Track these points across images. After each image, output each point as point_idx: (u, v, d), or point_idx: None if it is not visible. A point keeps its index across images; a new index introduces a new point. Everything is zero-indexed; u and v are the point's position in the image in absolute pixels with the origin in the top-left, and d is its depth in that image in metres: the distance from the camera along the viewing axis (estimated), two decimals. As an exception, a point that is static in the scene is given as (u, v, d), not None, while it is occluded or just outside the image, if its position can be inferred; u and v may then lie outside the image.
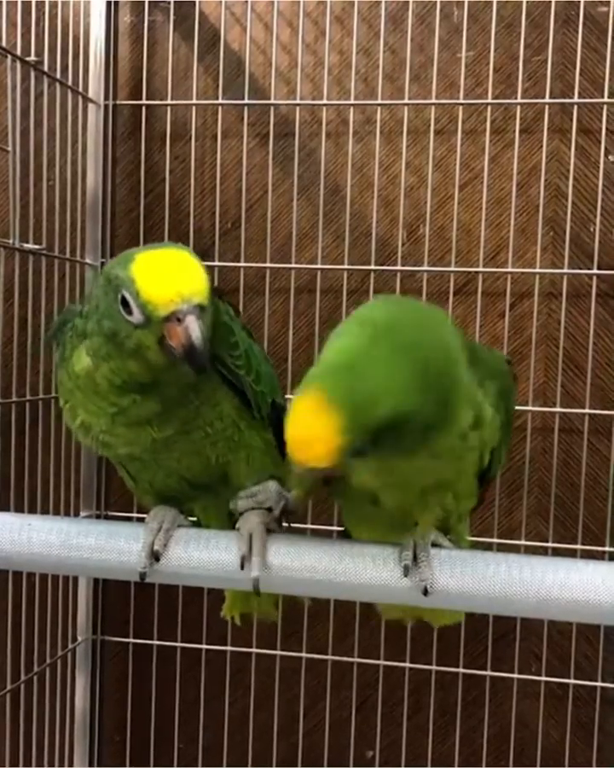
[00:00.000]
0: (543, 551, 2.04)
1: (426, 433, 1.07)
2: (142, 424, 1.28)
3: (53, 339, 1.37)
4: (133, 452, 1.33)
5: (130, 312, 1.16)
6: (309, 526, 2.08)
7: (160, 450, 1.32)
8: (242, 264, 2.09)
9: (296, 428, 1.02)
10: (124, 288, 1.16)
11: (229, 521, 1.54)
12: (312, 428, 1.00)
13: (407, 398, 1.00)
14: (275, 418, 1.43)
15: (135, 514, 2.16)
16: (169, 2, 2.14)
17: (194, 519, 1.52)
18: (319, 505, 2.07)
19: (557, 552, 2.04)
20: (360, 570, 1.25)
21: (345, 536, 1.58)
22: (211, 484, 1.45)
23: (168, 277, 1.16)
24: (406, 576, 1.24)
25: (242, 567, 1.26)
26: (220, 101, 2.11)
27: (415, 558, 1.24)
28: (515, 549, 2.04)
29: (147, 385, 1.24)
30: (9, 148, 1.84)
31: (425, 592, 1.23)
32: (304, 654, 2.16)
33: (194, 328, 1.14)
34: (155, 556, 1.28)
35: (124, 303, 1.16)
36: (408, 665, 2.12)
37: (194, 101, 2.13)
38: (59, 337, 1.35)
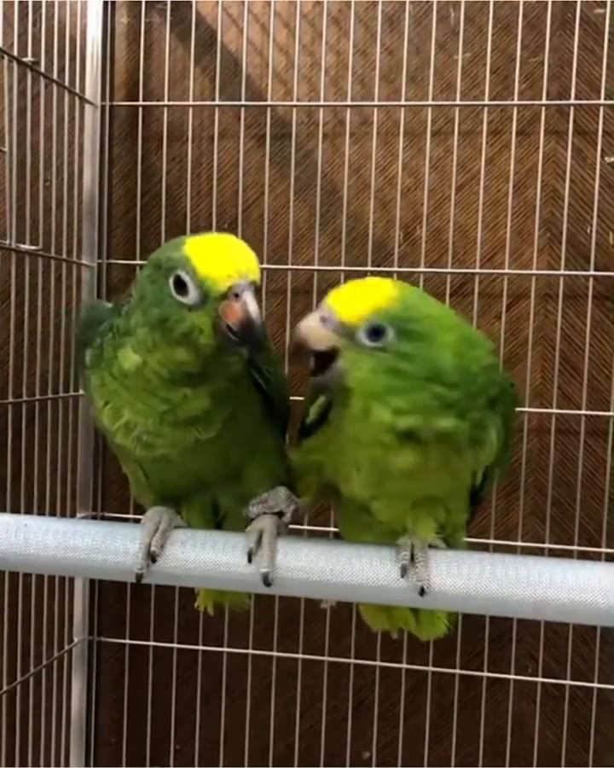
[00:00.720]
0: (540, 552, 2.05)
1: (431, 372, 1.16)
2: (190, 424, 1.26)
3: (83, 338, 1.34)
4: (170, 454, 1.31)
5: (184, 293, 1.16)
6: (305, 527, 2.08)
7: (194, 451, 1.31)
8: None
9: (351, 285, 1.21)
10: (180, 267, 1.16)
11: (213, 521, 1.56)
12: (365, 287, 1.20)
13: (443, 336, 1.17)
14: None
15: (131, 515, 2.16)
16: (166, 3, 2.14)
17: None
18: (317, 507, 2.07)
19: (553, 553, 2.04)
20: (357, 570, 1.26)
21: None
22: (218, 483, 1.45)
23: (224, 254, 1.17)
24: (403, 576, 1.24)
25: (249, 561, 1.26)
26: (217, 102, 2.11)
27: (412, 558, 1.25)
28: (512, 550, 2.04)
29: (197, 377, 1.22)
30: (6, 149, 1.84)
31: (422, 592, 1.23)
32: (300, 655, 2.16)
33: (252, 304, 1.15)
34: (152, 557, 1.28)
35: (179, 284, 1.16)
36: (404, 666, 2.12)
37: (191, 103, 2.13)
38: (90, 336, 1.32)
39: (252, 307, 1.15)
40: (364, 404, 1.18)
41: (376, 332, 1.15)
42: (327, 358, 1.19)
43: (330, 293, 1.20)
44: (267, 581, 1.26)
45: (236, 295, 1.15)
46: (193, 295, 1.16)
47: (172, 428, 1.27)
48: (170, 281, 1.17)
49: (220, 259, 1.17)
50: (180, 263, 1.16)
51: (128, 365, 1.24)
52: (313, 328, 1.19)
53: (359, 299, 1.18)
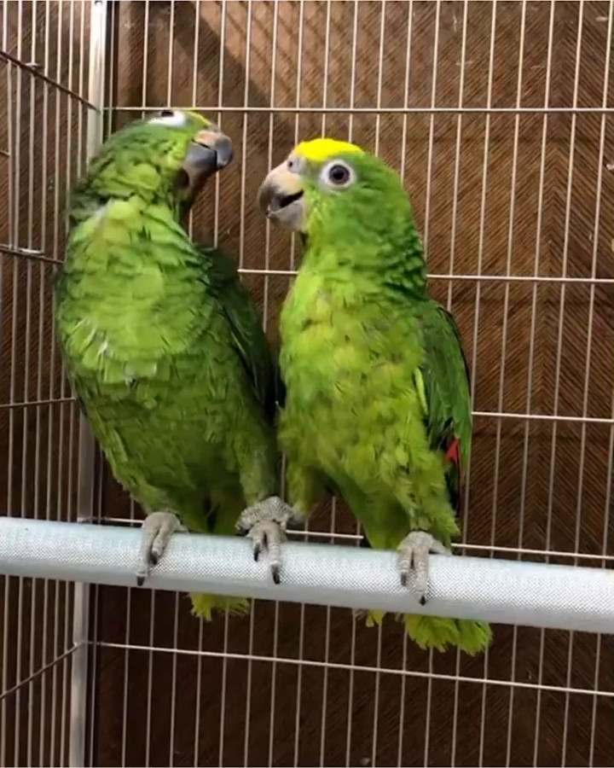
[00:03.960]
0: (540, 559, 2.04)
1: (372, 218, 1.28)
2: (155, 320, 1.28)
3: (55, 292, 1.38)
4: (142, 391, 1.30)
5: (170, 115, 1.37)
6: (306, 532, 2.08)
7: (167, 390, 1.31)
8: (241, 270, 2.09)
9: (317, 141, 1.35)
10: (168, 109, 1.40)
11: (205, 517, 1.59)
12: (332, 141, 1.34)
13: (398, 197, 1.31)
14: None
15: (132, 520, 2.16)
16: (169, 9, 2.15)
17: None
18: (317, 512, 2.07)
19: (554, 560, 2.04)
20: (358, 576, 1.26)
21: (365, 544, 1.61)
22: (205, 474, 1.45)
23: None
24: (404, 584, 1.24)
25: (256, 558, 1.27)
26: (220, 107, 2.11)
27: (412, 565, 1.25)
28: (512, 557, 2.04)
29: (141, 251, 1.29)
30: (9, 153, 1.84)
31: (423, 601, 1.23)
32: (300, 661, 2.16)
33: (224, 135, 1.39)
34: (153, 559, 1.29)
35: (166, 113, 1.38)
36: (404, 672, 2.12)
37: (194, 108, 2.13)
38: (57, 287, 1.37)
39: (225, 136, 1.39)
40: (317, 246, 1.29)
41: (339, 174, 1.28)
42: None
43: (302, 143, 1.35)
44: (277, 577, 1.26)
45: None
46: (178, 119, 1.37)
47: (137, 331, 1.27)
48: (155, 115, 1.38)
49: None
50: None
51: (83, 235, 1.31)
52: (280, 173, 1.32)
53: (325, 145, 1.33)
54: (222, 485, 1.52)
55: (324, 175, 1.28)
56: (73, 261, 1.32)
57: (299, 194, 1.30)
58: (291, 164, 1.31)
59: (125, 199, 1.31)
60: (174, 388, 1.31)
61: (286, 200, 1.31)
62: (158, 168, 1.32)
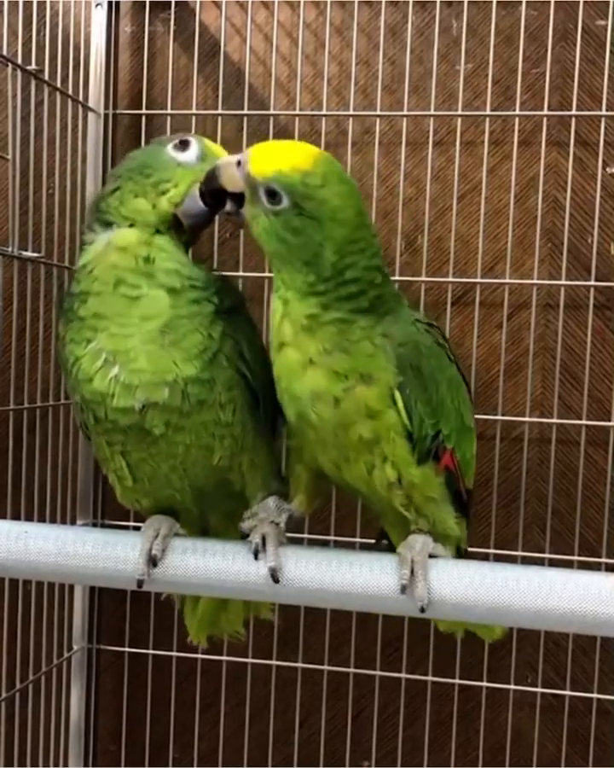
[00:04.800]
0: (540, 562, 2.04)
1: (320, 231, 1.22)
2: (164, 342, 1.27)
3: (60, 310, 1.38)
4: (150, 415, 1.29)
5: (185, 149, 1.34)
6: (305, 535, 2.08)
7: (169, 433, 1.31)
8: (241, 273, 2.09)
9: (279, 143, 1.30)
10: (187, 136, 1.36)
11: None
12: (288, 148, 1.26)
13: (333, 228, 1.21)
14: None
15: (131, 523, 2.16)
16: (169, 13, 2.15)
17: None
18: (317, 514, 2.07)
19: (554, 563, 2.04)
20: (358, 580, 1.26)
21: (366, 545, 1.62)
22: (209, 495, 1.44)
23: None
24: (403, 593, 1.24)
25: (255, 558, 1.28)
26: (219, 111, 2.11)
27: (412, 573, 1.25)
28: (512, 560, 2.03)
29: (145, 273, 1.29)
30: (9, 157, 1.85)
31: (422, 610, 1.23)
32: (300, 664, 2.15)
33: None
34: (153, 561, 1.29)
35: (183, 143, 1.34)
36: (404, 675, 2.12)
37: (194, 111, 2.14)
38: (63, 308, 1.36)
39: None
40: (268, 260, 1.29)
41: (272, 194, 1.22)
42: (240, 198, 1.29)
43: (260, 144, 1.29)
44: (276, 577, 1.26)
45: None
46: (191, 153, 1.34)
47: (147, 354, 1.27)
48: (173, 143, 1.34)
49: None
50: (184, 134, 1.37)
51: (88, 258, 1.31)
52: (229, 168, 1.28)
53: (273, 157, 1.24)
54: (222, 510, 1.51)
55: (260, 192, 1.23)
56: (80, 282, 1.32)
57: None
58: (239, 163, 1.26)
59: (131, 225, 1.32)
60: (184, 414, 1.30)
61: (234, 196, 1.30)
62: (154, 206, 1.32)
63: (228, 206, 1.32)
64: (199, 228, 1.38)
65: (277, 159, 1.23)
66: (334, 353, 1.24)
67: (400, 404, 1.26)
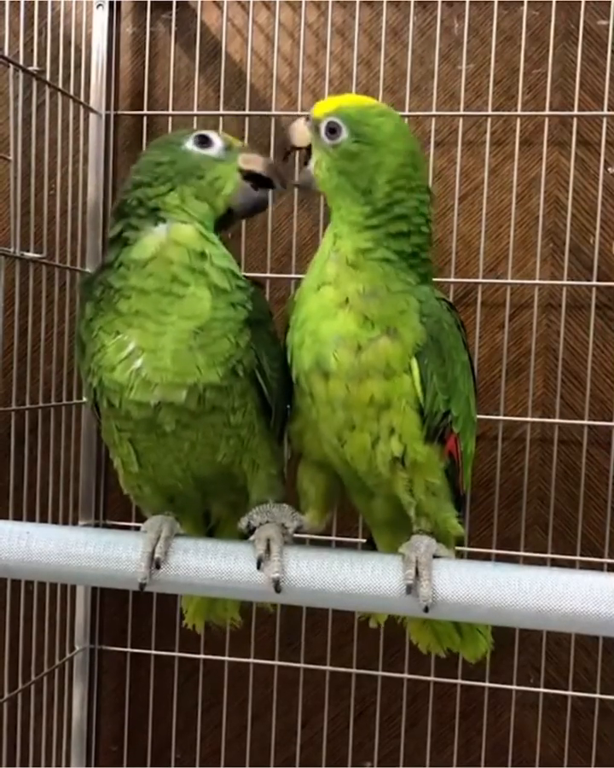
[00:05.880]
0: (542, 562, 2.04)
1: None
2: (192, 346, 1.28)
3: (84, 293, 1.38)
4: (164, 413, 1.30)
5: (208, 145, 1.36)
6: (306, 535, 2.08)
7: (188, 416, 1.32)
8: (243, 273, 2.09)
9: (342, 95, 1.42)
10: (201, 129, 1.39)
11: (204, 530, 1.58)
12: (350, 96, 1.42)
13: (388, 155, 1.30)
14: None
15: (133, 524, 2.16)
16: (171, 14, 2.15)
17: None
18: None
19: (556, 563, 2.04)
20: (361, 581, 1.26)
21: (367, 546, 1.62)
22: (211, 487, 1.46)
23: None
24: (408, 593, 1.24)
25: (259, 568, 1.27)
26: (221, 111, 2.12)
27: (417, 574, 1.25)
28: (514, 561, 2.03)
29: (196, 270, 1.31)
30: (11, 157, 1.85)
31: (426, 610, 1.23)
32: (302, 665, 2.15)
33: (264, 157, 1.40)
34: (156, 564, 1.29)
35: (203, 140, 1.36)
36: (406, 675, 2.12)
37: (196, 112, 2.14)
38: (89, 290, 1.36)
39: (267, 158, 1.41)
40: (329, 203, 1.34)
41: (333, 130, 1.31)
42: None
43: None
44: (278, 587, 1.26)
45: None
46: (217, 146, 1.37)
47: (173, 354, 1.28)
48: (191, 139, 1.36)
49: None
50: (199, 128, 1.40)
51: (145, 253, 1.31)
52: (297, 125, 1.38)
53: (336, 99, 1.36)
54: (225, 499, 1.52)
55: (322, 132, 1.33)
56: (128, 278, 1.31)
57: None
58: (307, 118, 1.37)
59: (184, 222, 1.33)
60: (196, 415, 1.32)
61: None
62: (211, 204, 1.36)
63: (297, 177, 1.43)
64: (252, 214, 1.45)
65: (339, 99, 1.36)
66: (370, 298, 1.28)
67: (415, 371, 1.28)
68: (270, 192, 1.42)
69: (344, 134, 1.30)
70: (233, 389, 1.33)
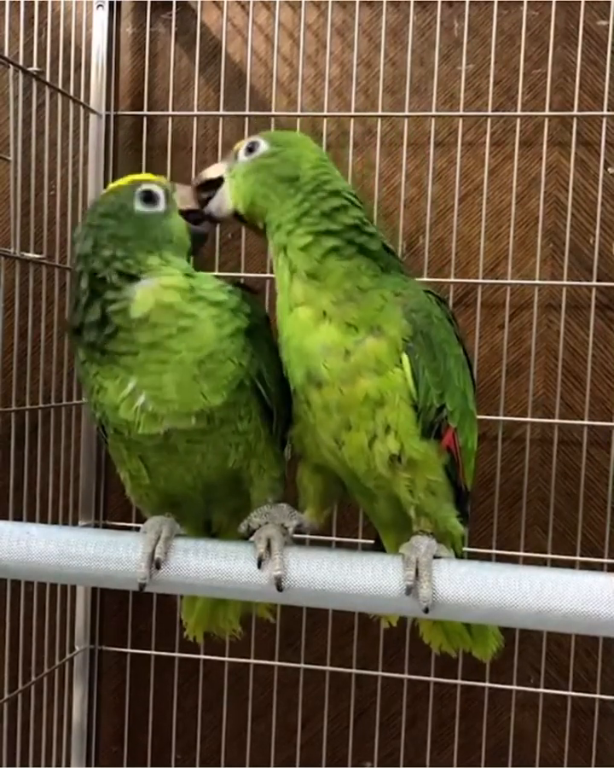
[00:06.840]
0: (542, 562, 2.04)
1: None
2: (196, 377, 1.28)
3: (75, 339, 1.37)
4: (172, 437, 1.31)
5: (154, 203, 1.36)
6: (307, 536, 2.08)
7: (196, 433, 1.32)
8: (242, 274, 2.10)
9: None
10: (143, 186, 1.37)
11: (205, 537, 1.56)
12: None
13: (307, 152, 1.38)
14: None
15: (133, 524, 2.16)
16: (171, 14, 2.15)
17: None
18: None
19: (556, 563, 2.04)
20: (361, 581, 1.26)
21: (370, 547, 1.62)
22: (217, 493, 1.46)
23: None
24: (408, 595, 1.24)
25: (259, 567, 1.27)
26: (221, 112, 2.12)
27: (417, 575, 1.24)
28: (514, 561, 2.04)
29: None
30: (11, 158, 1.85)
31: (426, 611, 1.23)
32: (302, 665, 2.16)
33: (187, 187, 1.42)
34: (157, 565, 1.29)
35: (147, 197, 1.35)
36: (406, 676, 2.12)
37: (195, 113, 2.14)
38: (80, 339, 1.35)
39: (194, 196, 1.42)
40: (253, 220, 1.39)
41: (251, 148, 1.37)
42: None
43: None
44: (280, 586, 1.26)
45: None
46: (161, 200, 1.37)
47: (177, 386, 1.27)
48: (136, 200, 1.35)
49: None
50: (130, 189, 1.37)
51: (145, 308, 1.28)
52: (211, 167, 1.43)
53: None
54: (228, 506, 1.53)
55: (241, 154, 1.38)
56: (135, 339, 1.28)
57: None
58: (224, 159, 1.42)
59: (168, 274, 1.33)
60: (206, 432, 1.32)
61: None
62: (175, 253, 1.36)
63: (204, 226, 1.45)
64: (198, 251, 1.47)
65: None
66: (346, 304, 1.28)
67: (406, 366, 1.28)
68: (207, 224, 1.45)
69: (263, 146, 1.37)
70: (239, 402, 1.34)
